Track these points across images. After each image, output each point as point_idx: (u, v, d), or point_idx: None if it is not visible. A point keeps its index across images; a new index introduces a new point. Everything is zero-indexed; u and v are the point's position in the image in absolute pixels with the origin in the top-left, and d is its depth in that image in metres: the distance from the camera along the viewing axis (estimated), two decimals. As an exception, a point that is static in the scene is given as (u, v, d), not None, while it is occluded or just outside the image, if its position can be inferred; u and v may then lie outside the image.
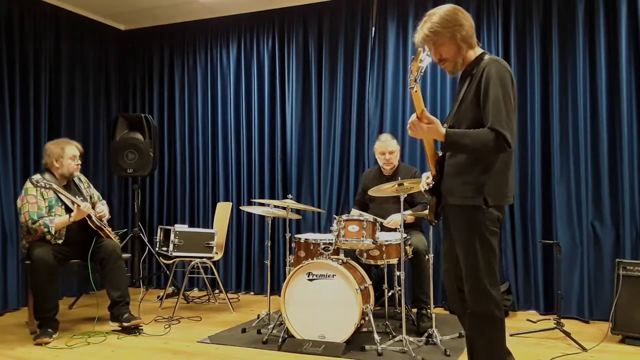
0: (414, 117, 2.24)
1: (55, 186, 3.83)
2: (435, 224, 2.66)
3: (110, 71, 5.94)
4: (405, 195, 3.47)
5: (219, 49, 5.70)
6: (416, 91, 2.18)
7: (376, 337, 3.40)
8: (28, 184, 3.88)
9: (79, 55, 5.50)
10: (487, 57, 2.36)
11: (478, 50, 2.42)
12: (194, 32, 5.81)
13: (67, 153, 4.00)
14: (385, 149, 4.21)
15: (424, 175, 2.54)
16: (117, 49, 6.02)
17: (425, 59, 2.15)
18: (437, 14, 2.35)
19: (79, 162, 4.11)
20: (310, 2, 5.27)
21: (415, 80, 2.15)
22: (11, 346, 3.64)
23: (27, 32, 4.91)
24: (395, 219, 4.00)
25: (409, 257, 3.87)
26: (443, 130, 2.23)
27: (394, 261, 3.74)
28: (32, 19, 4.97)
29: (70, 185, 4.12)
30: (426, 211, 3.50)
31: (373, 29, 5.10)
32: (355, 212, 4.20)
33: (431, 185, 2.44)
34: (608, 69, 4.24)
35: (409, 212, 4.01)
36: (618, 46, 4.18)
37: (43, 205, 3.88)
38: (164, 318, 4.34)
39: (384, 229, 4.01)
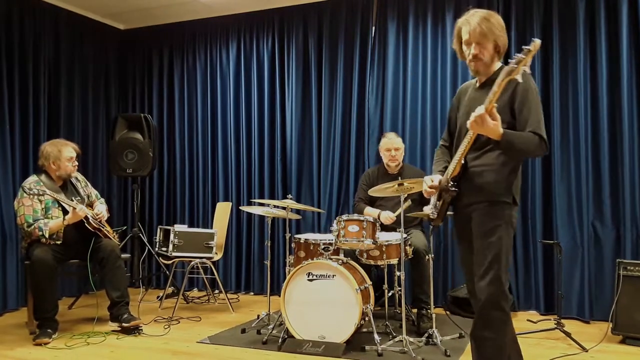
0: (481, 110, 2.22)
1: (49, 192, 3.80)
2: (437, 227, 2.65)
3: (110, 71, 5.94)
4: (405, 195, 3.47)
5: (219, 48, 5.70)
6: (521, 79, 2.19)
7: (376, 337, 3.40)
8: (23, 187, 3.86)
9: (78, 55, 5.49)
10: None
11: (499, 64, 2.48)
12: (194, 31, 5.80)
13: (64, 155, 3.97)
14: (391, 145, 4.24)
15: (427, 178, 2.55)
16: (116, 49, 6.01)
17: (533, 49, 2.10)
18: (494, 16, 2.42)
19: (76, 163, 4.08)
20: (310, 2, 5.27)
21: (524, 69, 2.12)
22: (10, 346, 3.63)
23: (26, 31, 4.90)
24: (387, 215, 4.08)
25: (409, 257, 3.87)
26: (501, 129, 2.26)
27: (394, 261, 3.74)
28: (31, 19, 4.96)
29: (67, 185, 4.10)
30: (427, 211, 3.52)
31: (373, 29, 5.10)
32: (369, 209, 4.21)
33: (455, 185, 2.45)
34: (609, 68, 4.23)
35: (401, 210, 3.97)
36: (619, 45, 4.18)
37: (39, 208, 3.86)
38: (164, 318, 4.33)
39: (384, 228, 4.00)
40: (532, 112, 2.33)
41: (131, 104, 6.07)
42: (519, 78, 2.14)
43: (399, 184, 3.41)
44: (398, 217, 3.43)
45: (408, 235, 3.97)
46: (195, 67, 5.81)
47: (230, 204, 5.17)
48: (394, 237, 3.78)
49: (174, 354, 3.45)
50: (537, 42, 2.08)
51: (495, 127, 2.24)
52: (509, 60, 2.13)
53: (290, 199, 4.00)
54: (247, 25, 5.57)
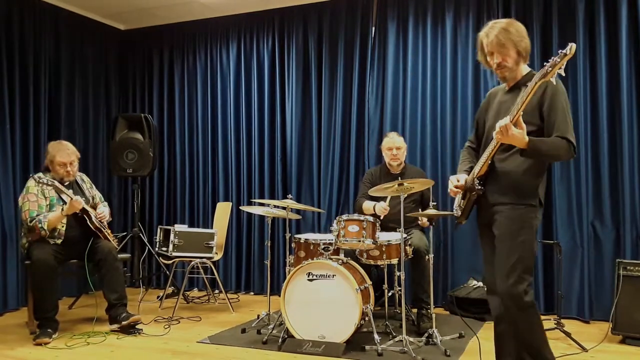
0: (506, 121, 2.28)
1: (57, 183, 3.82)
2: (462, 224, 2.71)
3: (110, 71, 5.94)
4: (406, 195, 3.47)
5: (219, 48, 5.70)
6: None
7: (376, 337, 3.40)
8: (30, 182, 3.88)
9: (78, 55, 5.49)
10: None
11: (527, 67, 2.55)
12: (194, 31, 5.80)
13: (57, 159, 3.94)
14: (393, 144, 4.26)
15: (453, 177, 2.61)
16: (116, 49, 6.01)
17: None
18: (512, 24, 2.48)
19: (70, 169, 3.99)
20: (310, 2, 5.27)
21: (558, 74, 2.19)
22: (11, 346, 3.63)
23: (26, 32, 4.91)
24: (381, 206, 4.03)
25: (409, 257, 3.87)
26: (527, 138, 2.31)
27: (394, 261, 3.74)
28: (31, 19, 4.96)
29: (72, 185, 4.11)
30: (428, 211, 3.52)
31: (373, 29, 5.10)
32: (367, 203, 4.21)
33: (480, 184, 2.52)
34: (608, 69, 4.23)
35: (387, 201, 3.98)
36: (618, 46, 4.18)
37: (44, 204, 3.88)
38: (164, 318, 4.33)
39: (384, 228, 4.00)
40: (559, 116, 2.38)
41: (131, 104, 6.07)
42: (553, 81, 2.22)
43: (399, 184, 3.41)
44: (398, 215, 3.43)
45: (408, 235, 3.97)
46: (196, 67, 5.81)
47: (231, 204, 5.17)
48: (394, 237, 3.78)
49: (174, 353, 3.45)
50: (572, 47, 2.12)
51: (520, 136, 2.29)
52: (545, 63, 2.18)
53: (290, 199, 4.00)
54: (247, 26, 5.57)
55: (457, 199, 2.67)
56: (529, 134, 2.34)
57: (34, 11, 4.99)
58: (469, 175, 2.61)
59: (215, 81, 5.72)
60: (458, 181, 2.59)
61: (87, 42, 5.61)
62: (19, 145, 4.82)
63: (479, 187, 2.52)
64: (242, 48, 5.59)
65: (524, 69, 2.53)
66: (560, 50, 2.14)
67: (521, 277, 2.40)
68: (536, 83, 2.22)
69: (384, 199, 4.20)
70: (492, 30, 2.47)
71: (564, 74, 2.19)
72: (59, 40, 5.28)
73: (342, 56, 5.17)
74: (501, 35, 2.44)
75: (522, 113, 2.27)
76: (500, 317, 2.59)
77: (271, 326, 3.79)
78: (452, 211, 2.74)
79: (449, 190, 2.64)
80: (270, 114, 5.46)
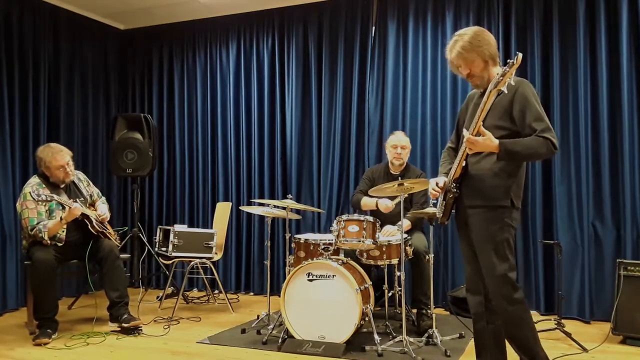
0: (467, 134, 2.39)
1: (55, 197, 3.79)
2: (444, 224, 2.80)
3: (110, 71, 5.93)
4: (406, 195, 3.46)
5: (219, 48, 5.69)
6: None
7: (376, 337, 3.39)
8: (27, 188, 3.85)
9: (78, 55, 5.49)
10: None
11: (499, 69, 2.54)
12: (194, 31, 5.80)
13: (53, 164, 3.91)
14: (398, 142, 4.25)
15: (433, 180, 2.71)
16: (116, 49, 6.01)
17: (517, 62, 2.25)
18: (467, 33, 2.54)
19: (68, 169, 3.98)
20: (310, 2, 5.26)
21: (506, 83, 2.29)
22: (10, 346, 3.63)
23: (26, 31, 4.90)
24: (390, 230, 4.01)
25: (409, 257, 3.87)
26: (496, 141, 2.39)
27: (395, 261, 3.74)
28: (31, 19, 4.96)
29: (69, 185, 4.10)
30: (428, 210, 3.52)
31: (373, 28, 5.10)
32: (366, 199, 4.22)
33: (456, 187, 2.59)
34: (609, 68, 4.23)
35: (406, 221, 3.99)
36: (619, 45, 4.18)
37: (43, 210, 3.85)
38: (164, 318, 4.33)
39: (384, 222, 3.99)
40: (534, 115, 2.42)
41: (131, 104, 6.06)
42: (505, 89, 2.30)
43: (399, 184, 3.40)
44: (396, 216, 3.42)
45: (408, 235, 3.96)
46: (195, 67, 5.80)
47: (230, 204, 5.17)
48: (394, 237, 3.77)
49: (173, 354, 3.45)
50: (519, 56, 2.23)
51: (488, 142, 2.38)
52: (497, 73, 2.31)
53: (290, 199, 4.00)
54: (247, 25, 5.57)
55: (439, 201, 2.74)
56: (502, 138, 2.41)
57: (33, 11, 4.99)
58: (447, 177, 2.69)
59: (215, 81, 5.71)
60: (437, 184, 2.67)
61: (87, 42, 5.60)
62: (19, 145, 4.81)
63: (455, 190, 2.59)
64: (242, 48, 5.58)
65: (496, 71, 2.51)
66: (508, 60, 2.24)
67: (505, 275, 2.47)
68: (490, 91, 2.31)
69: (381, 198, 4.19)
70: (455, 45, 2.54)
71: (513, 83, 2.32)
72: (59, 40, 5.27)
73: (342, 56, 5.17)
74: (463, 50, 2.50)
75: (481, 123, 2.37)
76: (478, 314, 2.68)
77: (271, 326, 3.79)
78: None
79: (429, 192, 2.73)
80: (270, 114, 5.45)
